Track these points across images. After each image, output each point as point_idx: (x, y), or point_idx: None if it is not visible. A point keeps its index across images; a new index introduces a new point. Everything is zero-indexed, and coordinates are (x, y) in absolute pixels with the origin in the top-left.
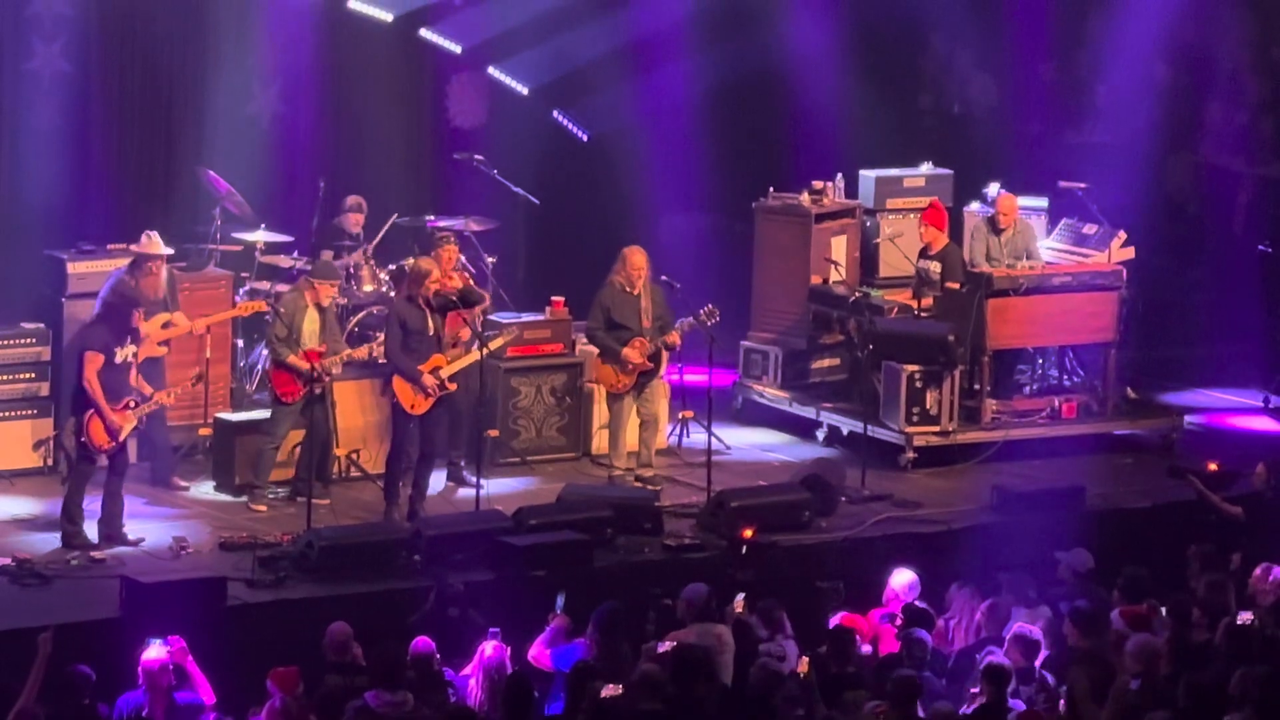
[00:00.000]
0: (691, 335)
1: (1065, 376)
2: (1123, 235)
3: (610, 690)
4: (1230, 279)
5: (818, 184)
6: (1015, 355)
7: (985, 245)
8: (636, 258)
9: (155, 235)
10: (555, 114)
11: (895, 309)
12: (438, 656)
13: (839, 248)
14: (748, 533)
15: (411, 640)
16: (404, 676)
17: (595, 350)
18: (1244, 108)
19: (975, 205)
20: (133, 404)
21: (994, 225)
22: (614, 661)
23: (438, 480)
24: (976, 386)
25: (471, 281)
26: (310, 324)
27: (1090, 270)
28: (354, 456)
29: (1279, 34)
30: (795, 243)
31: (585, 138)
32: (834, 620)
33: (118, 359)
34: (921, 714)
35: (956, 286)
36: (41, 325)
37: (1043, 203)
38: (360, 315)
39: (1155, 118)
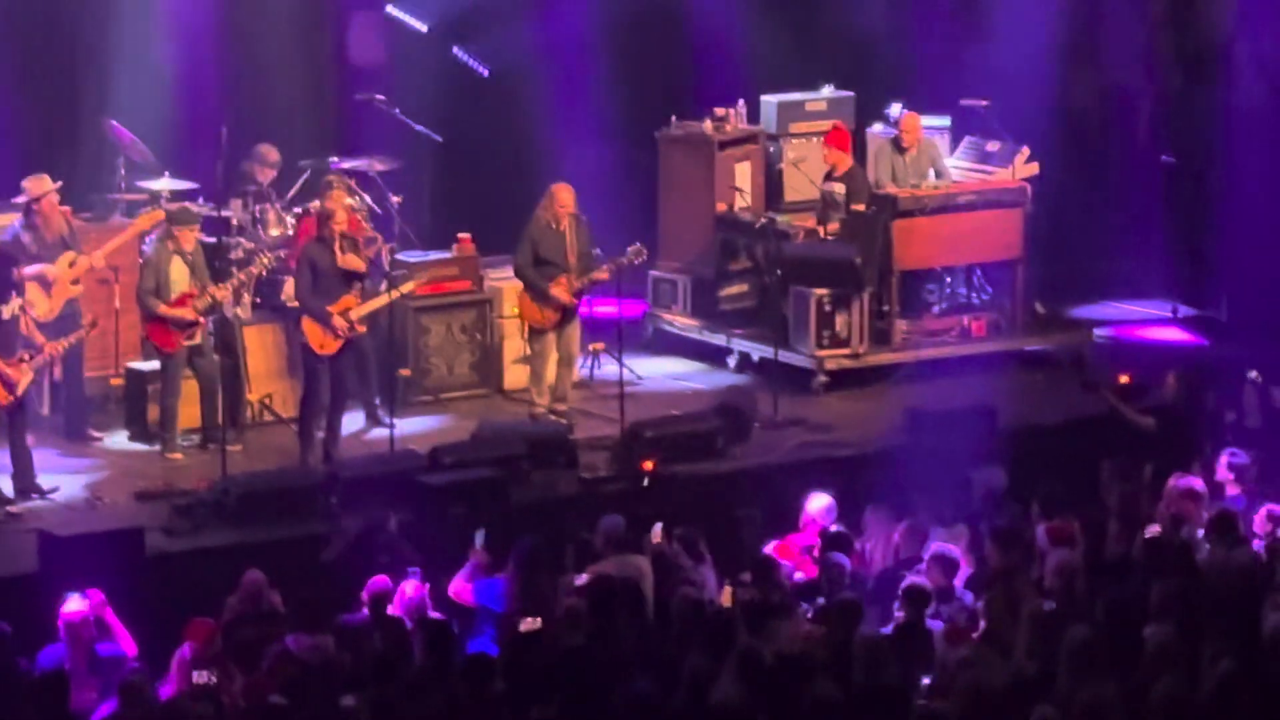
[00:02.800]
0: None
1: (974, 295)
2: (1026, 151)
3: (529, 624)
4: (1135, 192)
5: (720, 111)
6: (923, 275)
7: (890, 166)
8: (564, 194)
9: (42, 176)
10: (455, 50)
11: (801, 234)
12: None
13: (743, 174)
14: (648, 465)
15: (330, 581)
16: (324, 620)
17: (516, 286)
18: (1143, 22)
19: (878, 126)
20: (26, 357)
21: (898, 145)
22: (535, 597)
23: (355, 421)
24: (885, 308)
25: (366, 224)
26: (178, 272)
27: (995, 188)
28: (266, 401)
29: None
30: (699, 171)
31: (486, 73)
32: (765, 549)
33: (5, 315)
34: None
35: (862, 208)
36: None
37: (945, 121)
38: (270, 259)
39: (1055, 33)
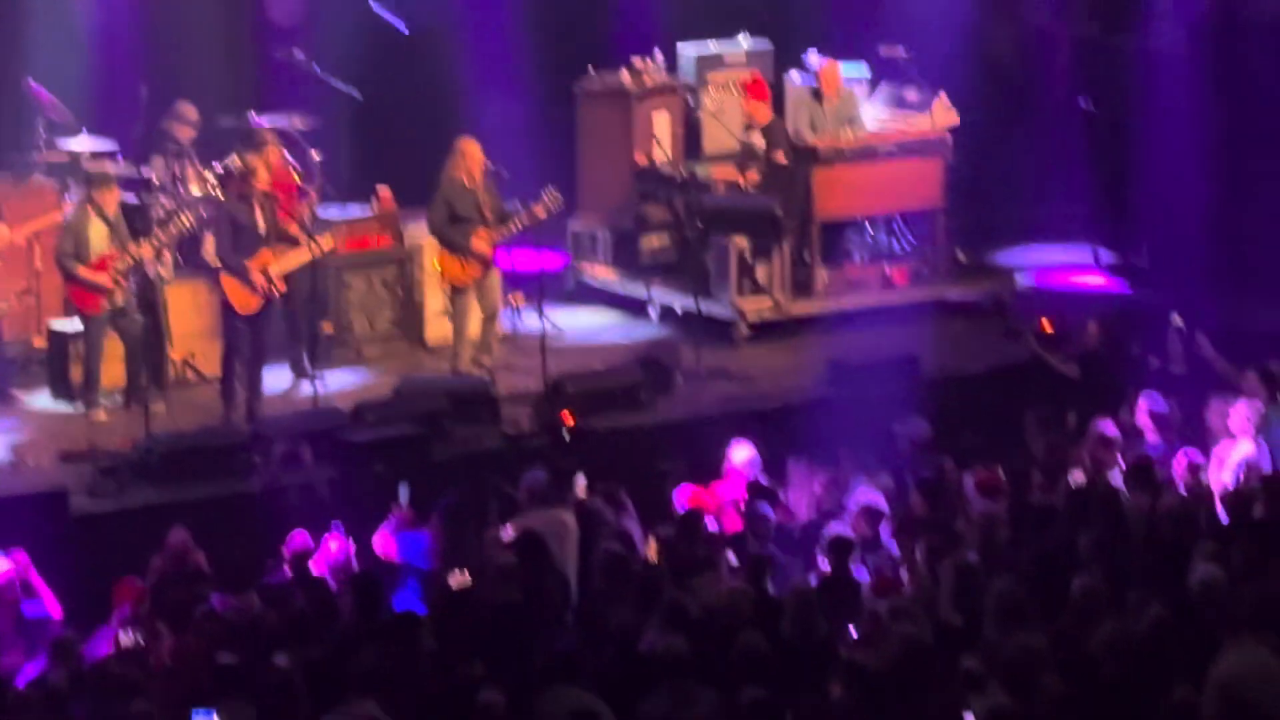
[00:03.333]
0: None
1: (895, 243)
2: (944, 96)
3: (460, 580)
4: (1055, 139)
5: (638, 62)
6: (844, 225)
7: (809, 116)
8: (473, 149)
9: None
10: (372, 5)
11: (721, 185)
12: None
13: (662, 126)
14: (566, 416)
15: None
16: (249, 579)
17: (434, 243)
18: None
19: (795, 74)
20: None
21: (817, 95)
22: (459, 552)
23: (281, 378)
24: (806, 258)
25: (299, 178)
26: (97, 234)
27: (915, 138)
28: (189, 359)
29: None
30: (617, 123)
31: (405, 29)
32: (677, 492)
33: None
34: (772, 590)
35: (782, 158)
36: None
37: (863, 70)
38: (190, 217)
39: None
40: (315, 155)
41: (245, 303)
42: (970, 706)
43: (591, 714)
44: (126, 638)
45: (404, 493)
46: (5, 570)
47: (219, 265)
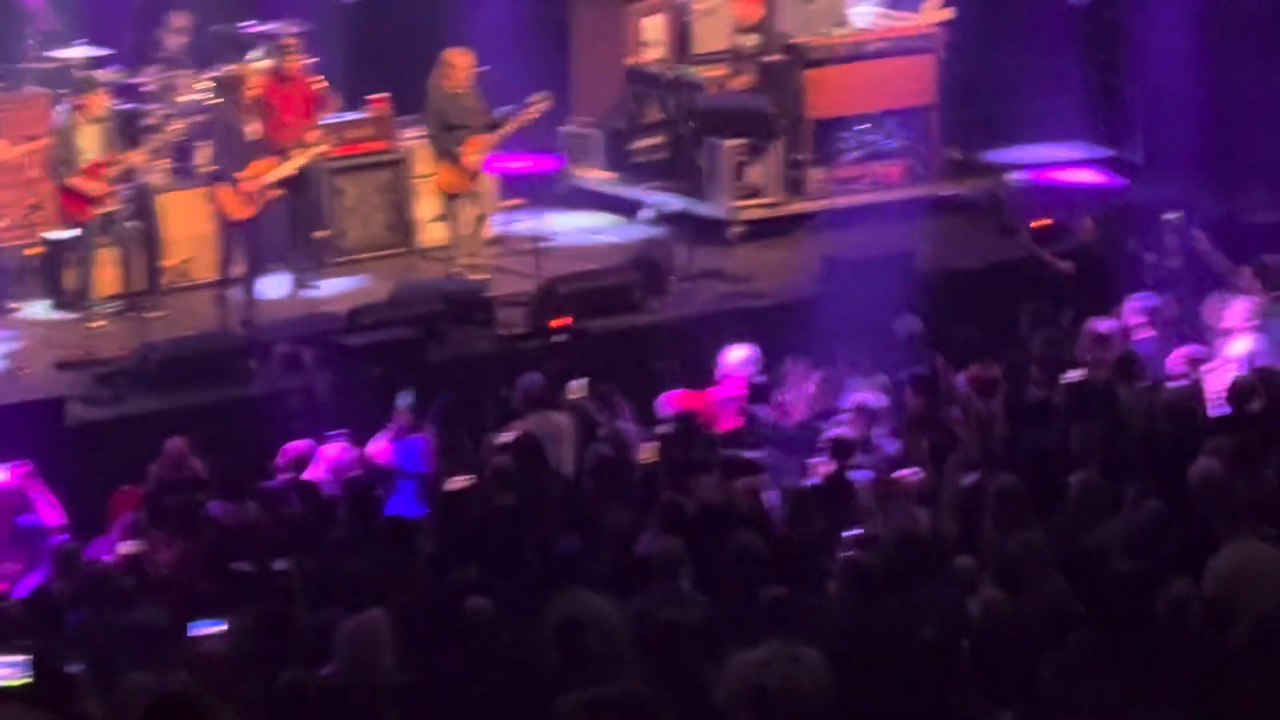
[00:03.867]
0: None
1: (888, 140)
2: None
3: (459, 483)
4: (1046, 32)
5: None
6: (836, 123)
7: (800, 14)
8: (462, 58)
9: None
10: None
11: (713, 85)
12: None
13: (653, 27)
14: (556, 322)
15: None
16: (247, 485)
17: (427, 149)
18: None
19: None
20: None
21: None
22: (454, 455)
23: (282, 285)
24: (799, 157)
25: (324, 86)
26: (87, 140)
27: (907, 34)
28: (184, 266)
29: None
30: (609, 24)
31: None
32: (666, 398)
33: None
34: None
35: (774, 58)
36: None
37: None
38: (183, 125)
39: None
40: (309, 61)
41: (238, 210)
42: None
43: (598, 615)
44: (126, 546)
45: (404, 400)
46: (2, 480)
47: (212, 173)
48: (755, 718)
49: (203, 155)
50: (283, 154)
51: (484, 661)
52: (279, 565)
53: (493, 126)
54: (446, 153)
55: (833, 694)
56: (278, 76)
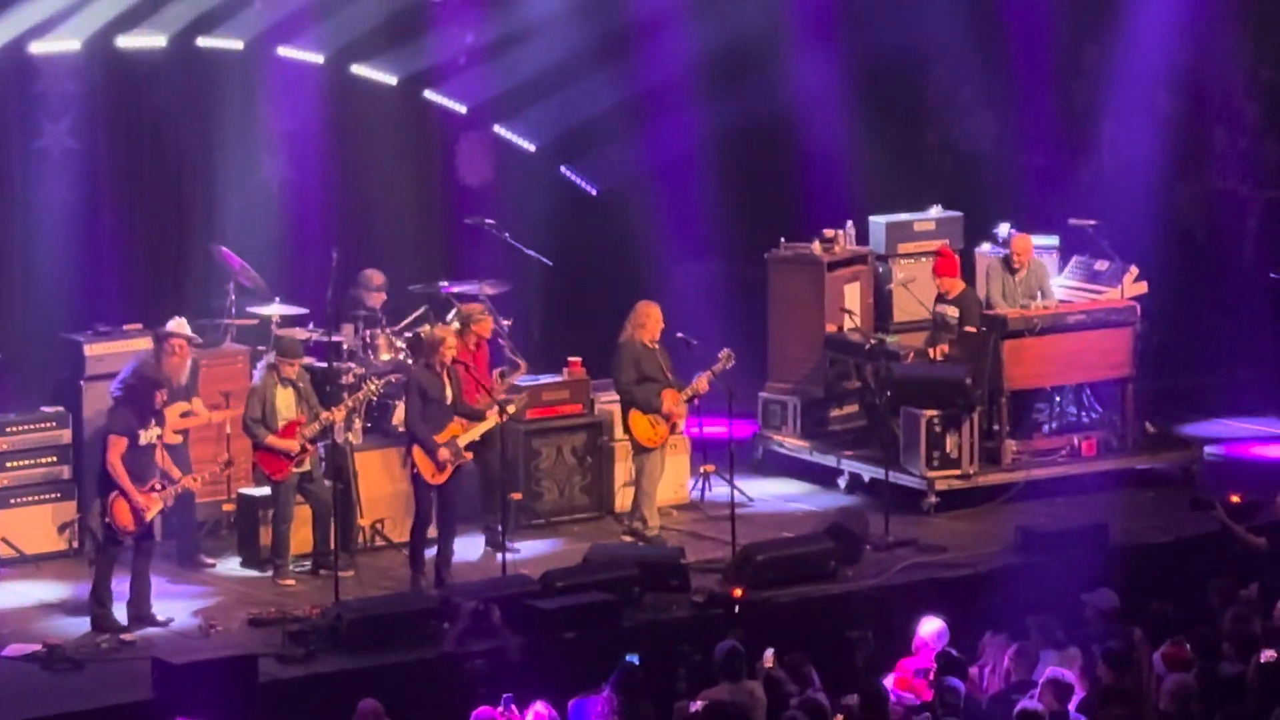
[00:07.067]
0: (711, 387)
1: (1083, 413)
2: (1135, 270)
3: None
4: (1243, 306)
5: (829, 232)
6: (1033, 395)
7: (1001, 285)
8: (655, 311)
9: (183, 320)
10: (563, 169)
11: (911, 354)
12: None
13: (852, 295)
14: (737, 592)
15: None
16: None
17: (623, 408)
18: (1244, 132)
19: (986, 246)
20: (159, 486)
21: (1008, 265)
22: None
23: (475, 546)
24: (996, 428)
25: (507, 348)
26: (283, 400)
27: (1104, 307)
28: (378, 526)
29: (1268, 55)
30: (809, 292)
31: (594, 192)
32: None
33: (142, 441)
34: None
35: (974, 330)
36: (61, 408)
37: (1054, 240)
38: (379, 384)
39: (1159, 146)
40: (505, 322)
41: (435, 474)
42: None
43: None
44: None
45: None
46: None
47: (408, 433)
48: None
49: (398, 415)
50: (476, 416)
51: None
52: None
53: (680, 382)
54: (643, 403)
55: None
56: (471, 339)
